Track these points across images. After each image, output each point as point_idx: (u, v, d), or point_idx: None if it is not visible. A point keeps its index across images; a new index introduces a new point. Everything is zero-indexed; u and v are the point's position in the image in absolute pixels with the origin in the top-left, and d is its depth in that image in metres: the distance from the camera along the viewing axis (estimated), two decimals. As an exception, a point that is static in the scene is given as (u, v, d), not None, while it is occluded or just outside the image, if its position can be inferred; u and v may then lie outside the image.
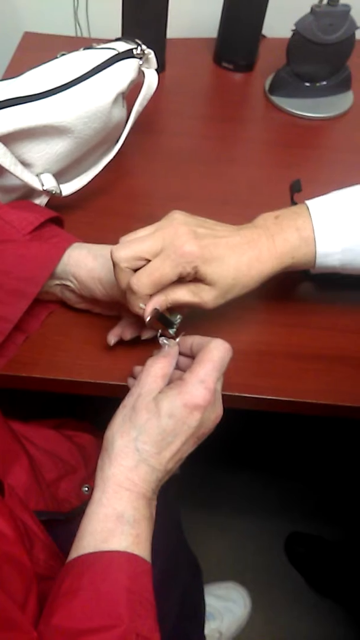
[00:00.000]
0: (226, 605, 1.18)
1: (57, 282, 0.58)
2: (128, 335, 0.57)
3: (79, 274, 0.55)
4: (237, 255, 0.51)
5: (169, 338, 0.53)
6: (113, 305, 0.59)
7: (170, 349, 0.51)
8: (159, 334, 0.54)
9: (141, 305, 0.50)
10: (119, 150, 0.74)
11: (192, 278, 0.50)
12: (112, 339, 0.58)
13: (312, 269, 0.56)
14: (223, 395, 0.58)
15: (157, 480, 0.47)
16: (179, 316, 0.55)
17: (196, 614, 0.96)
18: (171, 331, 0.53)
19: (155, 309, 0.49)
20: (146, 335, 0.57)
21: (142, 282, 0.48)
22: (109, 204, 0.76)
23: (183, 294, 0.50)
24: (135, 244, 0.48)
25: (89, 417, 0.81)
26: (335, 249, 0.53)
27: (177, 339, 0.52)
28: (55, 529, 0.57)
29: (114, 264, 0.49)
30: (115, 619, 0.39)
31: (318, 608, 1.25)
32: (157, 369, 0.48)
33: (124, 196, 0.77)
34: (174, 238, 0.48)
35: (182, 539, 0.85)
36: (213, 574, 1.25)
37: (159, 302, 0.49)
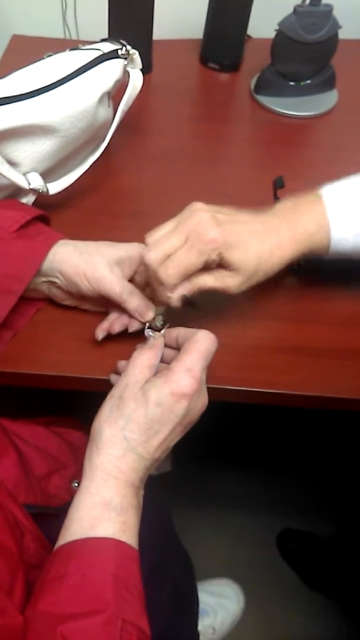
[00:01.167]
0: (220, 602, 1.19)
1: (44, 279, 0.58)
2: (116, 328, 0.58)
3: (65, 270, 0.56)
4: (259, 242, 0.52)
5: (155, 330, 0.54)
6: (99, 301, 0.59)
7: (156, 340, 0.52)
8: (146, 327, 0.56)
9: (168, 294, 0.52)
10: (107, 149, 0.75)
11: (217, 265, 0.52)
12: (100, 333, 0.59)
13: (326, 254, 0.57)
14: (211, 389, 0.59)
15: (145, 469, 0.47)
16: (164, 309, 0.56)
17: (189, 609, 0.97)
18: (158, 323, 0.55)
19: (183, 294, 0.52)
20: (133, 328, 0.58)
21: (170, 274, 0.50)
22: (96, 202, 0.76)
23: (208, 280, 0.53)
24: (163, 243, 0.50)
25: (79, 415, 0.81)
26: (349, 234, 0.55)
27: (163, 331, 0.54)
28: (45, 523, 0.58)
29: (149, 267, 0.51)
30: (101, 604, 0.39)
31: (311, 604, 1.26)
32: (143, 360, 0.49)
33: (110, 194, 0.78)
34: (197, 226, 0.50)
35: (172, 534, 0.85)
36: (206, 571, 1.25)
37: (186, 289, 0.52)
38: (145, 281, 0.59)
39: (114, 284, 0.55)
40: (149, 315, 0.56)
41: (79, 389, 0.62)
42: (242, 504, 1.37)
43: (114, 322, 0.59)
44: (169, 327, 0.54)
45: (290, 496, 1.39)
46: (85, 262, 0.56)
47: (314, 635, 1.23)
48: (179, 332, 0.53)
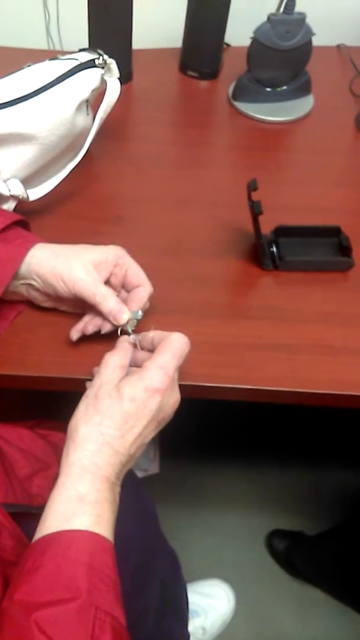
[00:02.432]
0: (210, 602, 1.20)
1: (22, 281, 0.60)
2: (89, 329, 0.60)
3: (42, 272, 0.57)
4: None
5: (127, 333, 0.57)
6: (77, 303, 0.61)
7: (125, 342, 0.55)
8: (119, 330, 0.58)
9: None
10: (88, 156, 0.77)
11: None
12: (74, 334, 0.60)
13: None
14: (188, 386, 0.61)
15: (121, 465, 0.49)
16: (140, 312, 0.58)
17: (178, 609, 0.98)
18: (130, 328, 0.58)
19: None
20: (105, 329, 0.60)
21: None
22: (76, 208, 0.78)
23: None
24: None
25: (63, 417, 0.83)
26: None
27: (133, 336, 0.57)
28: (27, 523, 0.59)
29: None
30: (74, 591, 0.40)
31: (301, 603, 1.27)
32: (114, 360, 0.52)
33: (91, 200, 0.80)
34: None
35: (158, 532, 0.87)
36: (197, 572, 1.26)
37: None
38: (122, 283, 0.61)
39: (89, 286, 0.56)
40: (123, 318, 0.57)
41: (61, 390, 0.63)
42: (231, 504, 1.39)
43: (88, 324, 0.60)
44: (149, 330, 0.56)
45: (279, 496, 1.40)
46: (62, 265, 0.57)
47: (304, 634, 1.24)
48: (155, 334, 0.55)
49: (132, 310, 0.58)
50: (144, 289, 0.60)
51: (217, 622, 1.19)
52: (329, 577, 1.25)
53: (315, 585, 1.28)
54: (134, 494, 0.80)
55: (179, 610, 0.98)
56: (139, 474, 1.22)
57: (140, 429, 0.49)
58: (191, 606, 1.16)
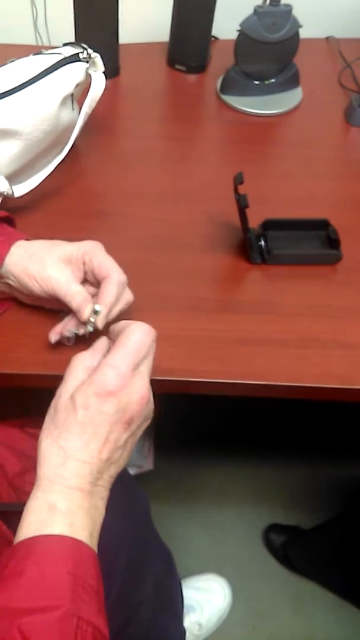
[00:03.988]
0: (206, 597, 1.20)
1: (3, 280, 0.59)
2: (65, 333, 0.59)
3: (16, 272, 0.57)
4: None
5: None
6: (59, 301, 0.60)
7: (99, 341, 0.54)
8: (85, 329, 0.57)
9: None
10: (75, 151, 0.77)
11: None
12: (52, 336, 0.59)
13: None
14: (178, 382, 0.60)
15: (94, 472, 0.47)
16: (97, 306, 0.56)
17: (173, 605, 0.97)
18: (89, 327, 0.56)
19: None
20: (82, 331, 0.58)
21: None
22: (63, 203, 0.78)
23: None
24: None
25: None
26: None
27: (67, 330, 0.57)
28: (16, 521, 0.59)
29: None
30: (57, 600, 0.40)
31: (298, 597, 1.28)
32: (78, 364, 0.50)
33: (78, 196, 0.79)
34: None
35: (151, 529, 0.86)
36: (193, 567, 1.27)
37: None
38: (98, 281, 0.60)
39: (61, 285, 0.55)
40: (84, 314, 0.56)
41: (49, 387, 0.63)
42: (227, 499, 1.39)
43: (67, 324, 0.59)
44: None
45: (275, 491, 1.41)
46: (34, 265, 0.56)
47: (301, 628, 1.25)
48: (114, 326, 0.53)
49: (98, 304, 0.56)
50: (107, 281, 0.57)
51: (214, 618, 1.19)
52: (326, 571, 1.25)
53: (312, 579, 1.28)
54: (125, 491, 0.80)
55: (174, 607, 0.98)
56: (133, 471, 1.22)
57: (103, 434, 0.47)
58: (187, 601, 1.16)
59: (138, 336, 0.49)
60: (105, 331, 0.56)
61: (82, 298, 0.56)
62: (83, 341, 0.60)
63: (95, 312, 0.55)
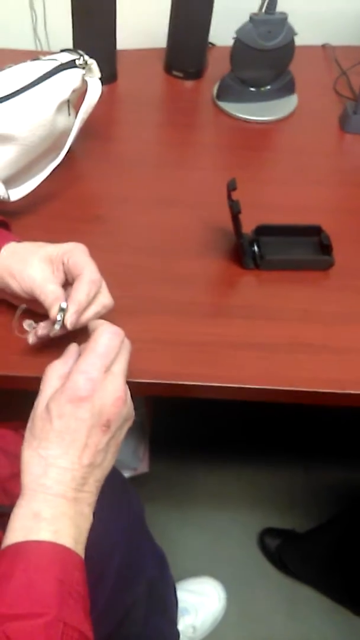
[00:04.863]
0: (200, 600, 1.20)
1: None
2: (39, 332, 0.58)
3: (2, 273, 0.57)
4: None
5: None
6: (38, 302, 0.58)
7: (70, 347, 0.53)
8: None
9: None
10: (70, 156, 0.77)
11: None
12: (30, 337, 0.59)
13: None
14: (169, 385, 0.61)
15: (77, 479, 0.47)
16: (63, 304, 0.54)
17: (167, 608, 0.98)
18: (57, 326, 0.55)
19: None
20: (52, 332, 0.57)
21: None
22: (58, 207, 0.78)
23: None
24: None
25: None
26: None
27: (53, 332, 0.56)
28: (5, 524, 0.59)
29: None
30: (44, 607, 0.40)
31: (293, 601, 1.28)
32: (51, 374, 0.50)
33: (73, 200, 0.80)
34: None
35: (144, 532, 0.87)
36: (188, 570, 1.27)
37: None
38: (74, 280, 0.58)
39: (38, 284, 0.55)
40: (52, 313, 0.54)
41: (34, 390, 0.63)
42: (223, 503, 1.39)
43: (40, 326, 0.58)
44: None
45: (270, 495, 1.41)
46: (16, 263, 0.57)
47: (296, 632, 1.25)
48: (88, 326, 0.54)
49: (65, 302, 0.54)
50: (79, 279, 0.55)
51: (208, 620, 1.20)
52: (321, 575, 1.25)
53: (307, 583, 1.29)
54: (118, 493, 0.80)
55: (168, 610, 0.98)
56: (128, 473, 1.22)
57: (82, 440, 0.47)
58: (181, 604, 1.16)
59: (106, 338, 0.49)
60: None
61: (54, 297, 0.55)
62: (74, 338, 0.61)
63: (62, 310, 0.54)
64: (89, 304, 0.55)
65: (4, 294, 0.62)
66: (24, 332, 0.59)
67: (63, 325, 0.54)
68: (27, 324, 0.58)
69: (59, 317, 0.54)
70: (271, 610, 1.27)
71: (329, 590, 1.26)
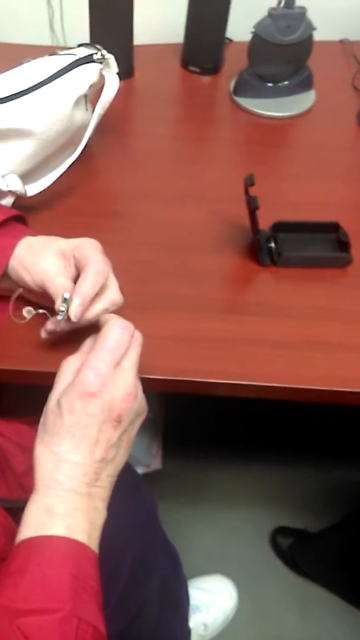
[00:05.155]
0: (212, 598, 1.19)
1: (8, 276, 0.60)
2: (49, 327, 0.58)
3: (15, 264, 0.57)
4: None
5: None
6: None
7: (85, 343, 0.53)
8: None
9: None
10: (87, 151, 0.77)
11: None
12: (42, 333, 0.59)
13: None
14: (184, 382, 0.61)
15: (90, 474, 0.47)
16: (66, 294, 0.54)
17: (178, 606, 0.98)
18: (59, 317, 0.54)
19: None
20: (60, 326, 0.57)
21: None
22: (75, 203, 0.78)
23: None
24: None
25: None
26: None
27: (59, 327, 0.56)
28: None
29: None
30: (58, 602, 0.40)
31: (304, 600, 1.27)
32: (66, 369, 0.50)
33: (89, 196, 0.80)
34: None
35: (157, 529, 0.87)
36: (200, 568, 1.26)
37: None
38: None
39: (50, 277, 0.55)
40: (57, 303, 0.54)
41: (44, 384, 0.63)
42: (235, 500, 1.39)
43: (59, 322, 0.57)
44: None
45: (283, 493, 1.40)
46: (30, 256, 0.56)
47: (307, 632, 1.24)
48: (99, 320, 0.53)
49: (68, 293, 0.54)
50: (84, 270, 0.55)
51: (219, 618, 1.19)
52: (333, 575, 1.25)
53: (319, 583, 1.28)
54: (133, 490, 0.80)
55: (180, 607, 0.98)
56: (141, 470, 1.22)
57: (93, 435, 0.46)
58: (193, 602, 1.16)
59: (115, 333, 0.49)
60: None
61: (62, 289, 0.54)
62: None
63: (65, 300, 0.53)
64: (96, 296, 0.55)
65: (16, 288, 0.62)
66: (20, 316, 0.59)
67: (69, 319, 0.53)
68: (26, 310, 0.57)
69: (62, 308, 0.53)
70: (282, 609, 1.26)
71: (340, 590, 1.26)
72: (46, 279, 0.55)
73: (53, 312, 0.56)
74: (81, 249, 0.56)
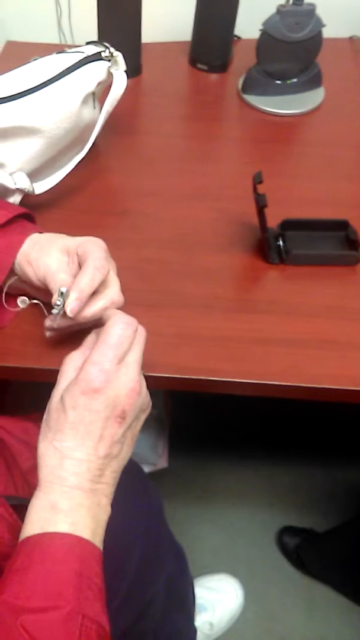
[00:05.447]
0: (218, 597, 1.19)
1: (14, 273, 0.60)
2: (48, 323, 0.58)
3: (20, 259, 0.57)
4: None
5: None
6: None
7: (87, 339, 0.53)
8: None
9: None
10: (96, 149, 0.77)
11: None
12: (47, 332, 0.59)
13: None
14: (192, 380, 0.60)
15: (93, 470, 0.47)
16: (63, 288, 0.54)
17: (184, 604, 0.98)
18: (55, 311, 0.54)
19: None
20: (57, 321, 0.57)
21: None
22: (82, 201, 0.78)
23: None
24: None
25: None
26: None
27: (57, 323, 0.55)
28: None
29: None
30: (62, 599, 0.40)
31: (311, 599, 1.27)
32: (69, 365, 0.50)
33: (97, 194, 0.80)
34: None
35: (164, 527, 0.87)
36: (206, 567, 1.26)
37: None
38: None
39: (51, 271, 0.55)
40: (53, 298, 0.54)
41: (45, 381, 0.63)
42: (241, 500, 1.38)
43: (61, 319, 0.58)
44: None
45: (289, 493, 1.40)
46: (35, 251, 0.56)
47: (314, 631, 1.24)
48: (105, 313, 0.53)
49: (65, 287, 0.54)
50: (84, 265, 0.54)
51: (225, 617, 1.19)
52: (340, 575, 1.24)
53: (325, 583, 1.27)
54: (139, 489, 0.80)
55: (186, 606, 0.98)
56: (148, 469, 1.22)
57: (97, 432, 0.46)
58: (199, 600, 1.16)
59: (118, 328, 0.48)
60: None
61: (62, 284, 0.54)
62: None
63: (62, 294, 0.53)
64: (96, 294, 0.55)
65: (24, 285, 0.62)
66: (14, 305, 0.59)
67: (65, 314, 0.53)
68: (20, 299, 0.57)
69: (58, 302, 0.53)
70: (289, 609, 1.26)
71: (347, 590, 1.25)
72: (48, 274, 0.55)
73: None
74: (84, 246, 0.56)
